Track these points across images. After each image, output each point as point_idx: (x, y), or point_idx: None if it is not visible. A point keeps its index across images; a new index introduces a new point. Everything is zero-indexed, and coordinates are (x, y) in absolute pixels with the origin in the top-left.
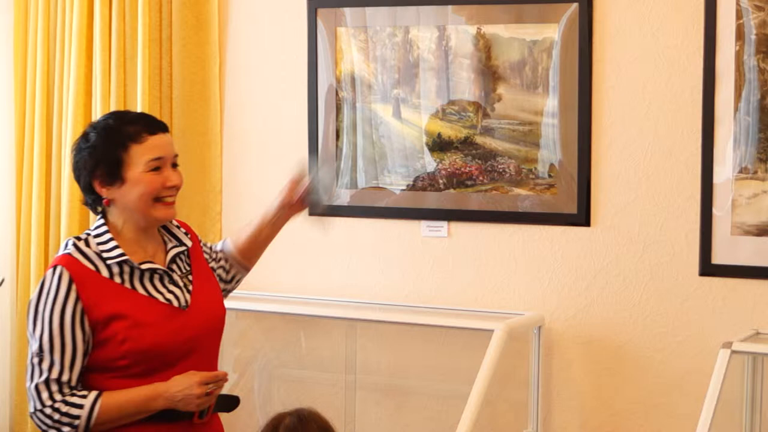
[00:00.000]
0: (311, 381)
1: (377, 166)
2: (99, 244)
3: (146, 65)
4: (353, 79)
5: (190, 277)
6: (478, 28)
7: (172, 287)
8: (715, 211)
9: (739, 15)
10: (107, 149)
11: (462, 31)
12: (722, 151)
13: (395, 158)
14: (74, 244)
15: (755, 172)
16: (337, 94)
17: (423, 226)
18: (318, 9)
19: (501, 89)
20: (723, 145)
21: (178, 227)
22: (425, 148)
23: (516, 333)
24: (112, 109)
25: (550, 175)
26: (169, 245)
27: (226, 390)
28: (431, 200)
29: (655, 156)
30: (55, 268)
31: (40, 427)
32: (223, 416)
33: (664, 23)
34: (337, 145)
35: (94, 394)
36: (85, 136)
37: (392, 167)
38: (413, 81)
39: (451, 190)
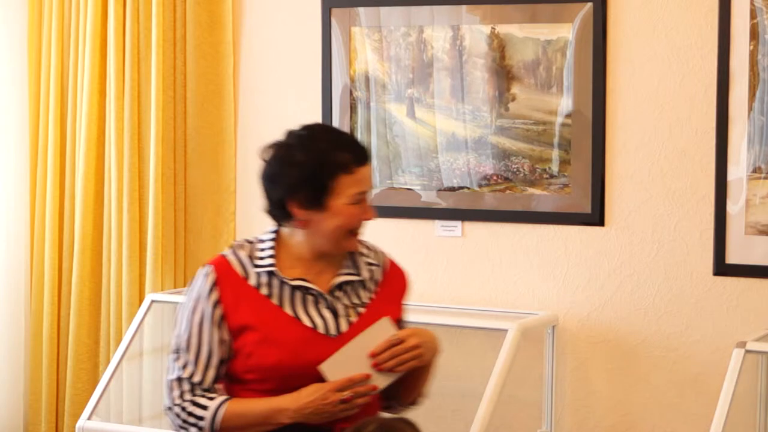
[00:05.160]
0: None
1: (391, 166)
2: (258, 250)
3: (160, 65)
4: (367, 79)
5: (361, 310)
6: (492, 28)
7: (324, 312)
8: (729, 210)
9: (752, 15)
10: (315, 173)
11: (476, 30)
12: (736, 150)
13: (409, 158)
14: (233, 246)
15: None
16: (351, 93)
17: (437, 226)
18: (332, 9)
19: (515, 89)
20: (737, 144)
21: (366, 256)
22: (439, 148)
23: (530, 333)
24: (126, 109)
25: (564, 175)
26: (343, 271)
27: None
28: (445, 200)
29: (669, 156)
30: (206, 266)
31: (171, 423)
32: None
33: (677, 23)
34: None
35: (221, 398)
36: (288, 149)
37: (406, 167)
38: (427, 81)
39: (465, 190)
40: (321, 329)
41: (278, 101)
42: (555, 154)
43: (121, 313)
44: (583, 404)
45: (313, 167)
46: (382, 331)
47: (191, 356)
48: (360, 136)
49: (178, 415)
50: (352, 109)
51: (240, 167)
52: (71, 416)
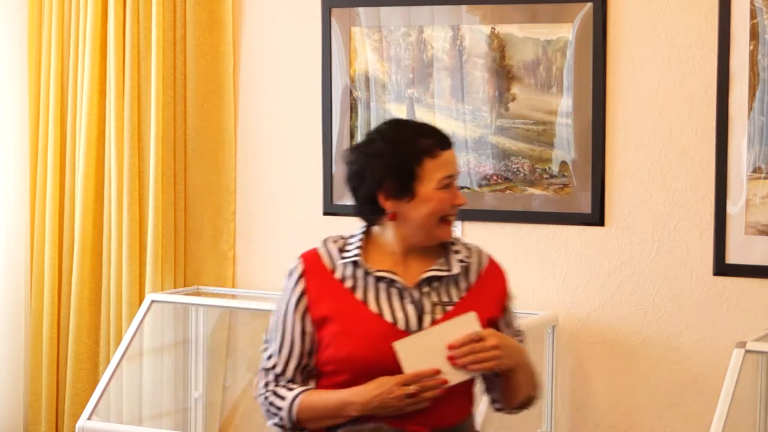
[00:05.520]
0: None
1: None
2: (348, 244)
3: (160, 65)
4: (367, 79)
5: (448, 308)
6: (492, 28)
7: (408, 307)
8: (729, 210)
9: (752, 15)
10: (401, 161)
11: (476, 30)
12: (736, 150)
13: None
14: (325, 239)
15: None
16: (351, 93)
17: None
18: (332, 9)
19: (515, 89)
20: (737, 144)
21: (461, 253)
22: None
23: (530, 332)
24: (126, 109)
25: (564, 175)
26: (433, 266)
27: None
28: None
29: (669, 156)
30: (298, 258)
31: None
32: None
33: (677, 23)
34: (351, 145)
35: (298, 390)
36: (370, 142)
37: None
38: (427, 81)
39: (465, 190)
40: (401, 324)
41: (278, 101)
42: (555, 154)
43: (121, 313)
44: (583, 404)
45: (397, 155)
46: (465, 326)
47: (276, 347)
48: (360, 135)
49: (263, 404)
50: (352, 109)
51: (240, 167)
52: (71, 416)
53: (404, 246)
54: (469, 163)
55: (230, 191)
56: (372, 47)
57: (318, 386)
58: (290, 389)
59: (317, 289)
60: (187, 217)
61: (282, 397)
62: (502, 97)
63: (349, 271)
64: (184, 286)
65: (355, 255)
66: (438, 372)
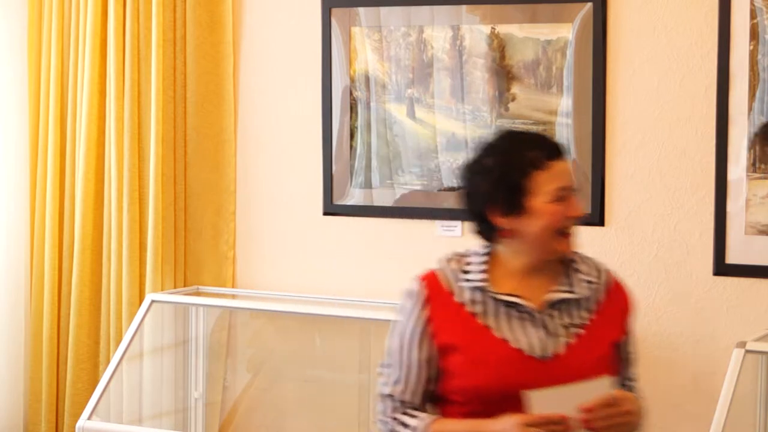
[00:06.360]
0: (326, 381)
1: (391, 166)
2: (467, 264)
3: (160, 65)
4: (367, 79)
5: (578, 331)
6: (492, 28)
7: (536, 332)
8: (729, 210)
9: (752, 15)
10: (507, 175)
11: (476, 30)
12: (736, 150)
13: (409, 158)
14: (445, 260)
15: None
16: (351, 93)
17: (437, 226)
18: (332, 9)
19: (515, 89)
20: (737, 144)
21: (585, 273)
22: (439, 148)
23: None
24: (126, 109)
25: None
26: (558, 288)
27: None
28: (445, 200)
29: (669, 155)
30: (417, 281)
31: None
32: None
33: (678, 23)
34: (351, 145)
35: (427, 419)
36: (478, 158)
37: (406, 167)
38: (427, 81)
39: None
40: (530, 351)
41: (278, 101)
42: None
43: (121, 313)
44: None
45: (503, 169)
46: (599, 388)
47: (399, 373)
48: (360, 135)
49: (383, 430)
50: (352, 109)
51: (240, 167)
52: (71, 416)
53: (525, 263)
54: None
55: (230, 191)
56: (372, 47)
57: (443, 413)
58: (415, 416)
59: (441, 316)
60: (187, 217)
61: (408, 426)
62: (502, 97)
63: (473, 295)
64: (184, 286)
65: (480, 280)
66: (565, 419)
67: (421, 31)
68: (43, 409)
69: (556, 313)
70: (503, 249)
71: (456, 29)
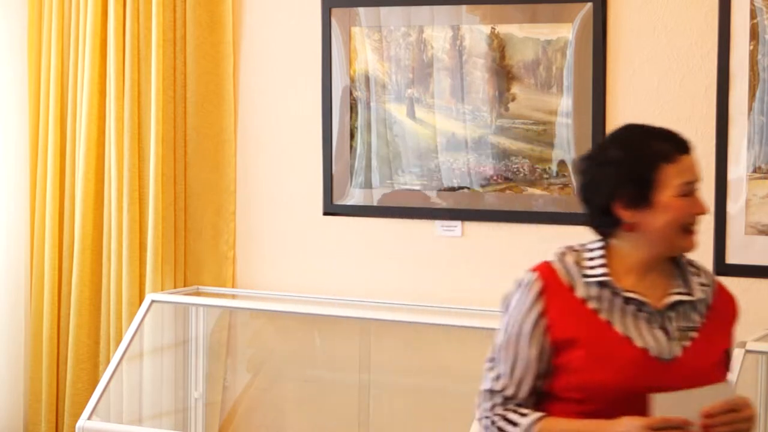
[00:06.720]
0: (325, 381)
1: (391, 166)
2: (587, 259)
3: (160, 65)
4: (367, 79)
5: (693, 334)
6: (492, 28)
7: (657, 332)
8: (729, 210)
9: (752, 15)
10: (636, 167)
11: (476, 30)
12: (736, 150)
13: (409, 158)
14: (560, 253)
15: None
16: (351, 93)
17: (437, 226)
18: (332, 9)
19: (515, 89)
20: (737, 144)
21: (697, 275)
22: (439, 148)
23: None
24: (126, 109)
25: (564, 175)
26: (675, 289)
27: None
28: (445, 200)
29: None
30: (529, 273)
31: None
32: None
33: (678, 23)
34: (351, 145)
35: (535, 416)
36: (602, 150)
37: (406, 167)
38: (427, 81)
39: (465, 190)
40: (654, 351)
41: (278, 101)
42: (555, 154)
43: (121, 313)
44: None
45: (632, 161)
46: (721, 392)
47: (506, 368)
48: (360, 135)
49: (487, 427)
50: (352, 109)
51: (240, 167)
52: (71, 416)
53: (643, 259)
54: (469, 163)
55: (230, 191)
56: (372, 47)
57: (552, 411)
58: (522, 414)
59: (558, 309)
60: (187, 217)
61: (514, 423)
62: (502, 97)
63: (593, 290)
64: (184, 286)
65: (603, 275)
66: (687, 423)
67: (421, 31)
68: (43, 409)
69: (673, 314)
70: (621, 243)
71: (456, 29)
